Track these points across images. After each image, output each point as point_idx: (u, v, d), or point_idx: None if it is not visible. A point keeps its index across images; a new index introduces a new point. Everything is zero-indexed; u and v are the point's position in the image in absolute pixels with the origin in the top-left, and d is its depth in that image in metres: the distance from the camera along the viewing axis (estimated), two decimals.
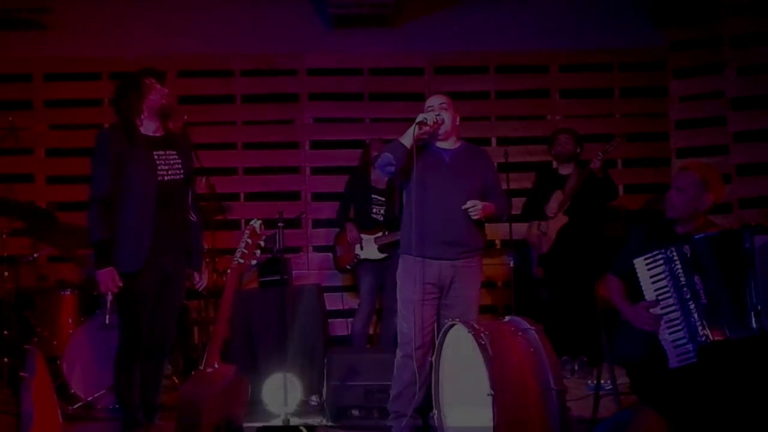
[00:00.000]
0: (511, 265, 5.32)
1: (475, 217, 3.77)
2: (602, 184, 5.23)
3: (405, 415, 3.88)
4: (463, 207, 3.74)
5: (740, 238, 3.15)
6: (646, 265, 3.28)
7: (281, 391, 4.18)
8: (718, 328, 3.13)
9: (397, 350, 3.92)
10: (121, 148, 3.61)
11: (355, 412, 4.33)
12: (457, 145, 3.98)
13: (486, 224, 3.99)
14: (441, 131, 3.90)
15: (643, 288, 3.29)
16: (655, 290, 3.26)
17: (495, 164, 4.14)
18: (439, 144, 3.95)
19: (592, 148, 5.45)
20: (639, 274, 3.30)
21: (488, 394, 3.00)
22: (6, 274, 4.94)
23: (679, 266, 3.20)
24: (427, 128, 3.80)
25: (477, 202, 3.76)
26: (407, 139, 3.79)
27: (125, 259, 3.59)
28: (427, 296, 3.83)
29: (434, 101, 3.98)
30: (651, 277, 3.27)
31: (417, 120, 3.78)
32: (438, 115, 3.83)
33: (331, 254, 5.60)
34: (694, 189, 3.34)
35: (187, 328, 5.27)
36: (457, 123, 3.98)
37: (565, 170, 5.39)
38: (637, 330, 3.31)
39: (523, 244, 5.56)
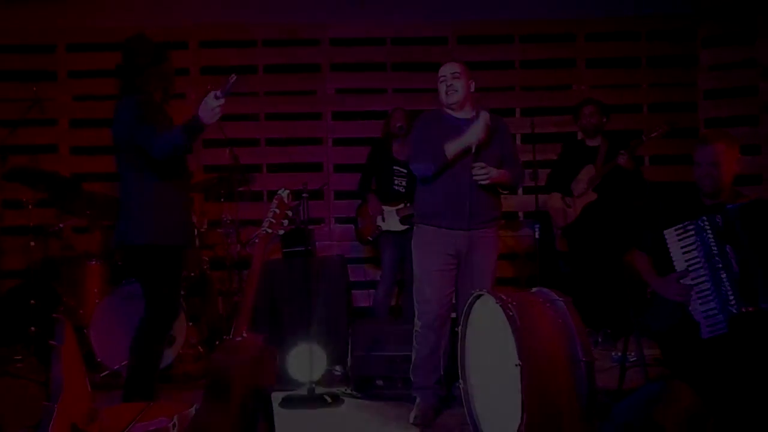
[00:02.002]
0: (537, 236, 5.28)
1: (482, 182, 3.71)
2: (631, 179, 5.09)
3: (427, 387, 3.89)
4: (472, 169, 3.70)
5: None
6: (677, 235, 3.26)
7: (306, 361, 4.21)
8: (750, 298, 3.11)
9: (415, 320, 3.91)
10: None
11: (380, 382, 4.36)
12: (473, 113, 3.92)
13: (513, 196, 3.95)
14: (452, 101, 3.85)
15: (673, 259, 3.28)
16: (686, 261, 3.25)
17: (511, 132, 4.08)
18: (454, 113, 3.90)
19: (619, 119, 5.37)
20: (669, 245, 3.28)
21: (516, 365, 2.98)
22: (32, 244, 4.98)
23: (711, 236, 3.19)
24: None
25: (484, 165, 3.71)
26: (451, 152, 3.74)
27: (178, 231, 3.56)
28: (445, 266, 3.81)
29: (446, 70, 3.90)
30: (682, 247, 3.26)
31: (466, 143, 3.72)
32: (482, 177, 3.71)
33: (353, 226, 5.59)
34: (725, 159, 3.31)
35: (211, 298, 5.30)
36: (472, 90, 3.91)
37: (592, 142, 5.30)
38: (667, 302, 3.29)
39: (545, 216, 5.52)
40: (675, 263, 3.28)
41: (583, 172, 5.23)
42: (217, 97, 3.26)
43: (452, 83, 3.84)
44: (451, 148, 3.75)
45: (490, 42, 6.18)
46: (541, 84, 6.19)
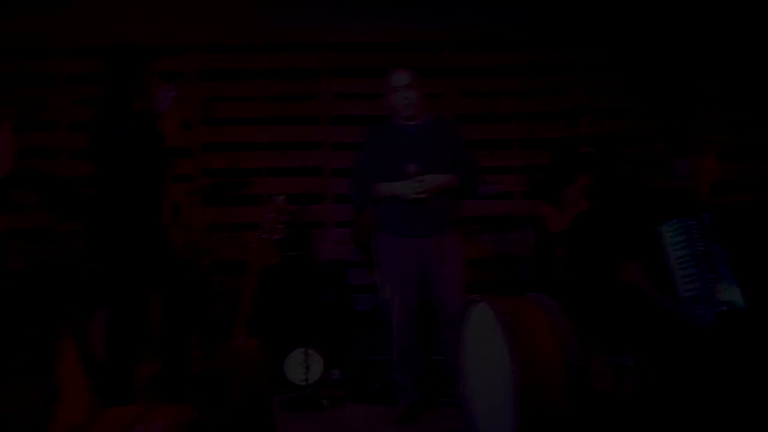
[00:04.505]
0: (531, 241, 5.31)
1: (420, 197, 3.70)
2: (628, 182, 5.09)
3: (408, 387, 3.94)
4: (408, 187, 3.68)
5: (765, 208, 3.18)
6: (671, 231, 3.32)
7: (304, 365, 4.24)
8: (737, 296, 3.16)
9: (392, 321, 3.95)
10: None
11: (378, 386, 4.39)
12: (426, 118, 3.92)
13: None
14: (409, 113, 3.85)
15: (667, 256, 3.34)
16: (678, 258, 3.30)
17: (462, 134, 4.07)
18: (407, 121, 3.91)
19: (612, 124, 5.37)
20: (663, 242, 3.33)
21: (512, 369, 3.02)
22: (33, 247, 5.01)
23: (698, 234, 3.24)
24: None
25: (422, 179, 3.71)
26: (381, 194, 3.79)
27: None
28: (407, 274, 3.83)
29: (397, 81, 3.88)
30: (674, 244, 3.32)
31: (398, 193, 3.74)
32: (420, 192, 3.73)
33: (351, 229, 5.61)
34: (702, 171, 3.44)
35: (210, 302, 5.32)
36: (422, 99, 3.90)
37: (585, 149, 5.31)
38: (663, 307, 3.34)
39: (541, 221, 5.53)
40: (668, 260, 3.33)
41: (577, 179, 5.24)
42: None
43: (406, 95, 3.83)
44: (384, 189, 3.76)
45: (488, 47, 6.21)
46: (539, 88, 6.22)
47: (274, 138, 6.17)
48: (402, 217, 3.78)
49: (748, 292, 3.15)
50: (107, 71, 3.70)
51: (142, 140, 3.55)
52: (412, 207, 3.72)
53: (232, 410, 2.60)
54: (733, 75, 5.99)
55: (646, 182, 5.21)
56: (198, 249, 5.04)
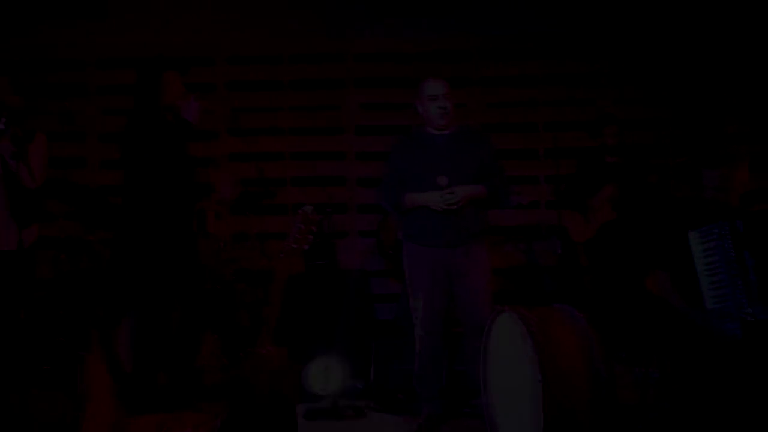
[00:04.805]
0: (557, 250, 5.28)
1: (452, 208, 3.70)
2: (655, 192, 5.05)
3: (431, 398, 3.92)
4: (439, 198, 3.68)
5: None
6: (701, 238, 3.27)
7: (327, 375, 4.25)
8: (764, 306, 3.11)
9: (415, 333, 3.94)
10: None
11: (401, 396, 4.38)
12: (451, 128, 3.91)
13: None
14: (443, 122, 3.84)
15: (696, 263, 3.28)
16: (707, 265, 3.25)
17: (492, 144, 4.05)
18: (436, 130, 3.90)
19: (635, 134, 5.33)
20: (693, 248, 3.28)
21: (537, 380, 3.00)
22: (62, 256, 5.08)
23: (729, 241, 3.19)
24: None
25: (453, 191, 3.69)
26: (412, 203, 3.79)
27: None
28: (434, 284, 3.82)
29: (438, 89, 3.87)
30: (704, 251, 3.26)
31: (428, 203, 3.74)
32: (451, 203, 3.72)
33: (375, 239, 5.62)
34: (732, 183, 3.40)
35: (235, 310, 5.36)
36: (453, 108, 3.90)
37: (611, 158, 5.28)
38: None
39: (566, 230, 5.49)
40: (696, 268, 3.28)
41: (603, 189, 5.20)
42: None
43: (446, 105, 3.83)
44: (413, 199, 3.76)
45: (514, 56, 6.20)
46: (564, 99, 6.19)
47: (300, 148, 6.21)
48: (430, 227, 3.79)
49: None
50: (136, 82, 3.77)
51: (170, 150, 3.61)
52: (441, 217, 3.73)
53: (255, 419, 2.61)
54: (758, 85, 5.92)
55: (673, 192, 5.15)
56: (223, 258, 5.07)
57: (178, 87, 3.77)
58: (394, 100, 6.25)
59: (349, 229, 6.18)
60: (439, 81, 3.89)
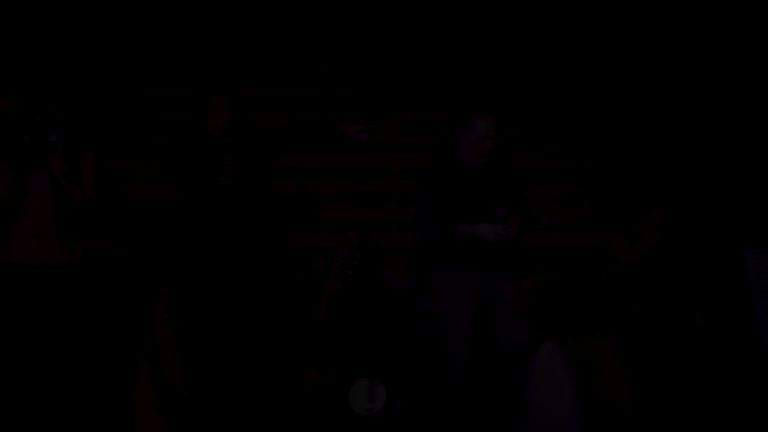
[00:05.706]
0: (601, 273, 5.22)
1: (501, 239, 3.74)
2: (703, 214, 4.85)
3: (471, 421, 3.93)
4: (502, 232, 3.70)
5: None
6: (757, 257, 3.18)
7: (369, 395, 4.26)
8: None
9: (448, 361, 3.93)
10: None
11: (441, 417, 4.37)
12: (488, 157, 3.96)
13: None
14: (484, 159, 3.85)
15: (750, 282, 3.20)
16: (763, 287, 3.16)
17: (519, 170, 4.08)
18: (469, 158, 3.95)
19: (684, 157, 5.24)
20: (748, 268, 3.20)
21: (579, 412, 2.98)
22: (109, 269, 5.19)
23: None
24: None
25: (511, 222, 3.74)
26: (461, 233, 3.82)
27: None
28: (472, 310, 3.83)
29: (488, 130, 3.88)
30: (759, 272, 3.17)
31: (480, 236, 3.74)
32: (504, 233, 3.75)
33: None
34: None
35: (277, 327, 5.40)
36: None
37: (659, 178, 5.19)
38: None
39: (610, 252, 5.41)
40: (752, 291, 3.19)
41: (651, 212, 5.09)
42: None
43: (490, 144, 3.89)
44: (466, 230, 3.77)
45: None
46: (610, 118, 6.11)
47: (342, 164, 6.24)
48: (475, 255, 3.81)
49: None
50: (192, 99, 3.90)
51: (214, 166, 3.68)
52: (488, 246, 3.77)
53: None
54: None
55: (724, 214, 5.05)
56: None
57: (223, 112, 3.87)
58: (437, 118, 6.23)
59: (390, 246, 6.18)
60: (489, 120, 3.92)
